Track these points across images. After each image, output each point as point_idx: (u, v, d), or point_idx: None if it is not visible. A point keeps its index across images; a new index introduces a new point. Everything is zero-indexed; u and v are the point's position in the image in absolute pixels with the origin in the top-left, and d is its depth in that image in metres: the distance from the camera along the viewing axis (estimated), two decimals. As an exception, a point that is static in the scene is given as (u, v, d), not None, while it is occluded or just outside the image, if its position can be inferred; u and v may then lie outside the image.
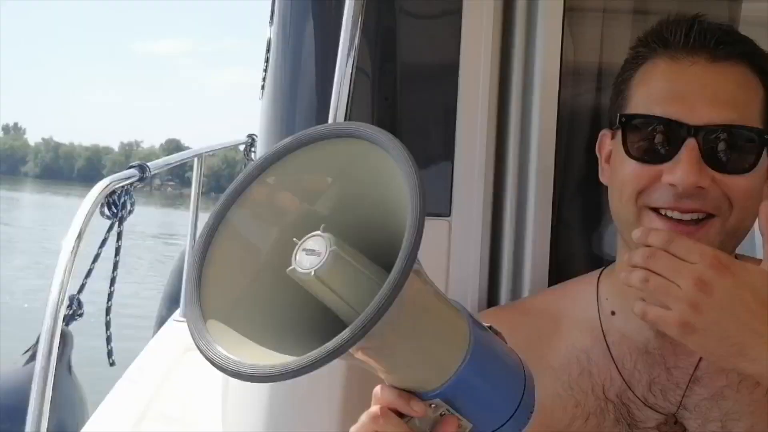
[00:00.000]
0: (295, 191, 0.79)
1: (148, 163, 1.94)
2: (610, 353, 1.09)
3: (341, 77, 1.17)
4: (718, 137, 0.97)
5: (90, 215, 1.59)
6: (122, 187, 1.81)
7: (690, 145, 0.96)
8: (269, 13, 1.54)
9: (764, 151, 0.99)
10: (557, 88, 1.32)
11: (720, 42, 1.00)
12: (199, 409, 2.18)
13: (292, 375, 0.66)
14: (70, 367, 2.14)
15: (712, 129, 0.97)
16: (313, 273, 0.71)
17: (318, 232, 0.73)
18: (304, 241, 0.73)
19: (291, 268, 0.73)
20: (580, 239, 1.43)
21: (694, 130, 0.96)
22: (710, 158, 0.97)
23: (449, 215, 1.30)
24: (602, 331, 1.11)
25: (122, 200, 1.82)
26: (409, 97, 1.32)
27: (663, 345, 1.06)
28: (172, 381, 2.43)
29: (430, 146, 1.34)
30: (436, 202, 1.29)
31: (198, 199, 2.98)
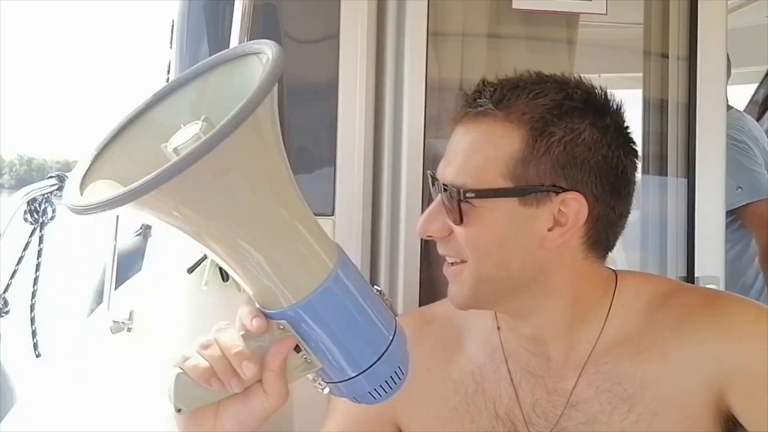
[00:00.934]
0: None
1: (66, 173, 2.08)
2: (505, 369, 1.07)
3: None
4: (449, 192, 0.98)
5: (11, 218, 1.70)
6: (42, 195, 1.94)
7: (437, 199, 1.01)
8: (169, 39, 1.68)
9: (495, 204, 0.97)
10: (423, 102, 1.48)
11: (476, 101, 0.99)
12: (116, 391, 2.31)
13: (106, 206, 0.65)
14: None
15: (444, 185, 0.99)
16: (173, 148, 0.72)
17: (197, 121, 0.73)
18: (185, 128, 0.73)
19: (163, 144, 0.73)
20: None
21: (442, 186, 1.00)
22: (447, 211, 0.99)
23: (332, 214, 1.46)
24: (499, 345, 1.09)
25: (43, 207, 1.96)
26: (295, 111, 1.46)
27: (542, 366, 1.06)
28: (93, 366, 2.54)
29: (315, 154, 1.50)
30: (321, 202, 1.45)
31: None
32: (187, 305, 1.38)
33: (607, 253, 1.05)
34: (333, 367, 0.79)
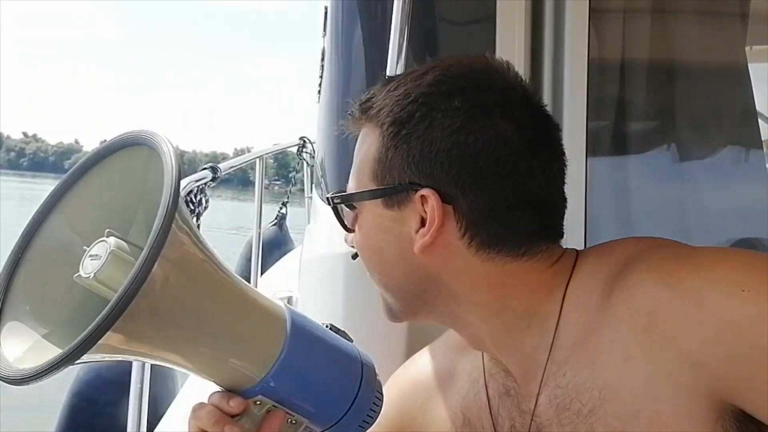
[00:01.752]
0: (89, 216, 0.78)
1: (219, 165, 2.14)
2: (484, 394, 0.98)
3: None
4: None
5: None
6: (197, 186, 2.00)
7: None
8: (322, 26, 1.69)
9: (360, 210, 0.92)
10: (586, 83, 1.42)
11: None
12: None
13: (42, 375, 0.65)
14: None
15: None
16: (92, 276, 0.70)
17: (103, 238, 0.72)
18: (91, 248, 0.72)
19: (77, 274, 0.71)
20: (612, 222, 1.53)
21: None
22: None
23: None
24: (482, 369, 0.99)
25: (198, 198, 2.02)
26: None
27: (513, 384, 0.94)
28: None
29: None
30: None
31: (261, 194, 3.19)
32: (345, 290, 1.38)
33: (528, 248, 0.88)
34: (319, 417, 0.82)
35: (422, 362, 1.09)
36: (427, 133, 0.86)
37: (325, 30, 1.63)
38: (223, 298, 0.78)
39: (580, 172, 1.42)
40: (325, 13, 1.63)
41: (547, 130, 0.92)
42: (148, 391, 1.49)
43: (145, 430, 1.46)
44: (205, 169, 2.10)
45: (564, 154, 0.93)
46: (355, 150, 0.94)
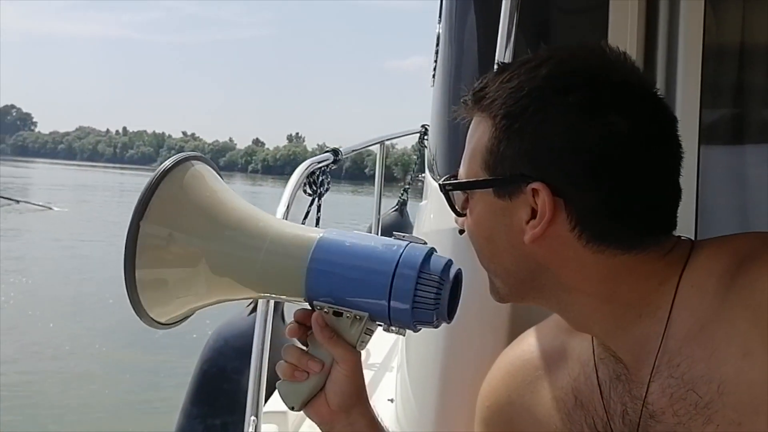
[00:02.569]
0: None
1: (340, 148, 2.24)
2: (595, 378, 0.99)
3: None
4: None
5: (296, 189, 1.86)
6: (320, 168, 2.11)
7: None
8: (438, 13, 1.73)
9: (474, 195, 0.95)
10: (700, 68, 1.39)
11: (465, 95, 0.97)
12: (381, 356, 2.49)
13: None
14: (283, 317, 2.45)
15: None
16: None
17: None
18: None
19: None
20: (725, 214, 1.49)
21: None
22: None
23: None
24: (591, 352, 1.01)
25: (320, 179, 2.13)
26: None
27: (623, 370, 0.95)
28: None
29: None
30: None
31: (381, 182, 3.26)
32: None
33: (640, 241, 0.89)
34: (371, 307, 0.94)
35: (531, 341, 1.12)
36: (541, 127, 0.87)
37: (440, 16, 1.66)
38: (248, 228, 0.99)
39: (691, 162, 1.39)
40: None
41: (664, 125, 0.91)
42: (267, 356, 1.60)
43: (263, 394, 1.57)
44: (327, 152, 2.20)
45: (680, 147, 0.92)
46: (467, 137, 0.96)
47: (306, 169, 2.02)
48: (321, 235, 0.98)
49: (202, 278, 1.00)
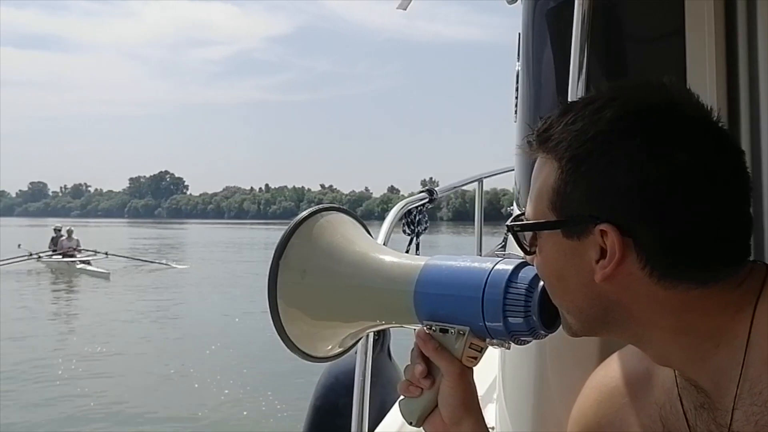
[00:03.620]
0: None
1: (435, 188, 2.32)
2: (679, 406, 1.00)
3: (573, 98, 1.33)
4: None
5: (391, 227, 1.95)
6: (416, 207, 2.19)
7: None
8: (516, 51, 1.77)
9: (544, 235, 0.96)
10: None
11: (529, 135, 0.99)
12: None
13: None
14: (389, 354, 2.53)
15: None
16: None
17: None
18: None
19: None
20: None
21: None
22: None
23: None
24: (674, 381, 1.01)
25: (417, 218, 2.21)
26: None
27: (705, 399, 0.95)
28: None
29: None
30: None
31: (481, 219, 3.28)
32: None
33: (713, 274, 0.89)
34: (468, 321, 1.04)
35: (618, 365, 1.13)
36: (606, 170, 0.88)
37: (518, 54, 1.71)
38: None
39: None
40: (519, 38, 1.70)
41: (729, 157, 0.91)
42: (368, 389, 1.67)
43: (366, 420, 1.65)
44: (422, 191, 2.27)
45: (748, 177, 0.93)
46: (533, 176, 0.98)
47: (401, 209, 2.10)
48: (425, 262, 1.10)
49: (333, 309, 1.19)
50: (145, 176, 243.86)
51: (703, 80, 1.41)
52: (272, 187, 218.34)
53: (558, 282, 0.97)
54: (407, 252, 2.31)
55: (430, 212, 2.30)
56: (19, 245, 26.87)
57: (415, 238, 2.23)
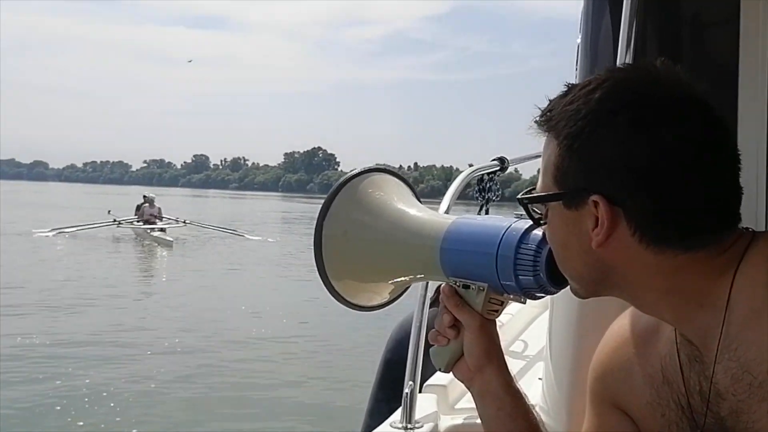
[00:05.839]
0: None
1: (507, 157, 2.38)
2: (676, 358, 1.08)
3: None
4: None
5: (456, 192, 2.02)
6: (488, 174, 2.28)
7: None
8: (578, 27, 1.81)
9: (551, 207, 1.05)
10: None
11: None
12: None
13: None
14: None
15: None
16: None
17: None
18: None
19: None
20: None
21: None
22: None
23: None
24: (675, 337, 1.09)
25: (488, 185, 2.30)
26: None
27: (696, 352, 1.04)
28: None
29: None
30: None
31: None
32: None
33: (698, 241, 0.97)
34: (489, 280, 1.14)
35: (630, 320, 1.22)
36: (596, 146, 0.98)
37: (580, 28, 1.70)
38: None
39: None
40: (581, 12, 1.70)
41: (714, 133, 0.99)
42: (423, 341, 1.80)
43: (420, 362, 1.79)
44: (494, 160, 2.35)
45: (736, 148, 1.01)
46: (542, 152, 1.08)
47: (470, 174, 2.19)
48: (452, 220, 1.20)
49: (371, 263, 1.29)
50: (299, 152, 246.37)
51: (755, 68, 1.44)
52: (421, 165, 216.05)
53: (563, 250, 1.07)
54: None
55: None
56: (109, 211, 27.61)
57: (485, 205, 2.31)
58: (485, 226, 1.16)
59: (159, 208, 27.56)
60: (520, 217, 1.14)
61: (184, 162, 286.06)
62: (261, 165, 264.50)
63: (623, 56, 1.41)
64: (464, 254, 1.16)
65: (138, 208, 27.37)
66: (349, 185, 1.29)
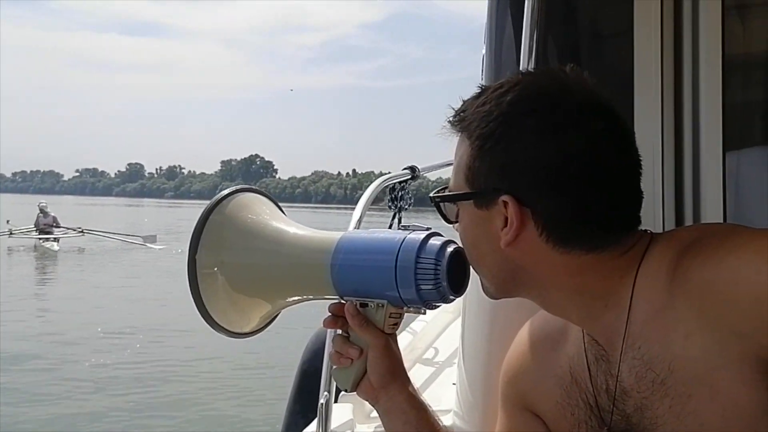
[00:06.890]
0: None
1: (418, 166, 2.41)
2: (584, 358, 1.11)
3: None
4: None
5: (368, 203, 2.01)
6: (399, 183, 2.29)
7: None
8: (482, 38, 1.83)
9: (463, 206, 1.08)
10: (721, 80, 1.45)
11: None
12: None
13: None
14: None
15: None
16: None
17: None
18: None
19: None
20: (753, 216, 1.51)
21: None
22: None
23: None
24: (583, 338, 1.12)
25: (399, 194, 2.31)
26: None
27: (603, 352, 1.07)
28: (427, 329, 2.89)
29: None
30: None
31: None
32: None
33: (601, 242, 1.01)
34: (388, 295, 1.12)
35: (539, 323, 1.25)
36: (506, 147, 1.01)
37: (484, 38, 1.74)
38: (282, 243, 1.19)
39: (717, 169, 1.47)
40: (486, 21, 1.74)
41: (619, 139, 1.02)
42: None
43: (333, 388, 1.77)
44: (405, 169, 2.37)
45: (638, 155, 1.04)
46: (455, 153, 1.09)
47: (381, 183, 2.19)
48: (341, 235, 1.16)
49: (254, 287, 1.21)
50: (236, 159, 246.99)
51: (649, 76, 1.50)
52: (359, 172, 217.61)
53: (474, 249, 1.09)
54: (390, 226, 2.41)
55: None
56: (8, 221, 26.97)
57: (397, 214, 2.32)
58: (378, 240, 1.14)
59: (54, 217, 26.97)
60: (406, 228, 1.13)
61: (118, 171, 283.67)
62: (198, 173, 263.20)
63: (525, 66, 1.45)
64: (359, 270, 1.13)
65: (36, 219, 26.68)
66: (218, 209, 1.22)
